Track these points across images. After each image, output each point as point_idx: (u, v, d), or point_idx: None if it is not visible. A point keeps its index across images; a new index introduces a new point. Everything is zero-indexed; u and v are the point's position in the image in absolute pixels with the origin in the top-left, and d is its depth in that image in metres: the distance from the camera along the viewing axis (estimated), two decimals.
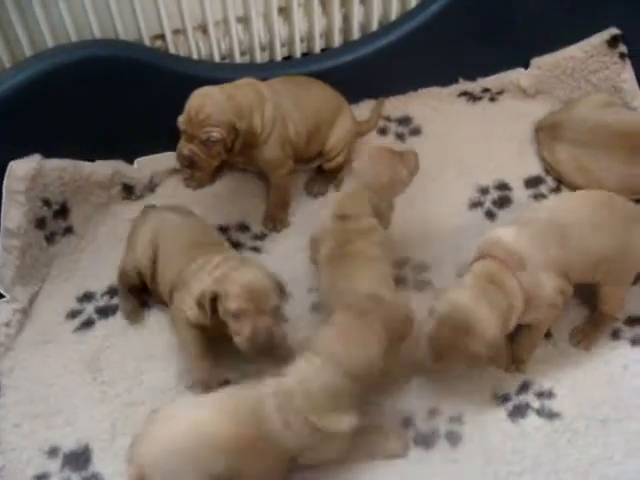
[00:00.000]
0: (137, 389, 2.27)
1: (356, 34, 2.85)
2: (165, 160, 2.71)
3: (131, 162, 2.72)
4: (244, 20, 2.72)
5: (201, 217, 2.45)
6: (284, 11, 2.76)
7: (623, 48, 2.79)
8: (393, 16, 2.82)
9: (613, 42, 2.77)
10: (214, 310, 2.07)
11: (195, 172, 2.52)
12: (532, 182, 2.70)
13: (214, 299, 2.06)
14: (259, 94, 2.43)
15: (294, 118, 2.49)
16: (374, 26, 2.83)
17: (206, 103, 2.27)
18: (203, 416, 1.87)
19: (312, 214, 2.63)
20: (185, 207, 2.47)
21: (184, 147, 2.28)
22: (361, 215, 2.24)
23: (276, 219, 2.60)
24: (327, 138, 2.60)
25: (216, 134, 2.27)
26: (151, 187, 2.69)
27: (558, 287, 2.11)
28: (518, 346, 2.23)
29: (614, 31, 2.78)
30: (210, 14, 2.65)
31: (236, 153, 2.38)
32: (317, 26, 2.80)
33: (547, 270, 2.09)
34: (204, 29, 2.69)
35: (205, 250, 2.23)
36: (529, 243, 2.11)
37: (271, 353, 2.08)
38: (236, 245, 2.55)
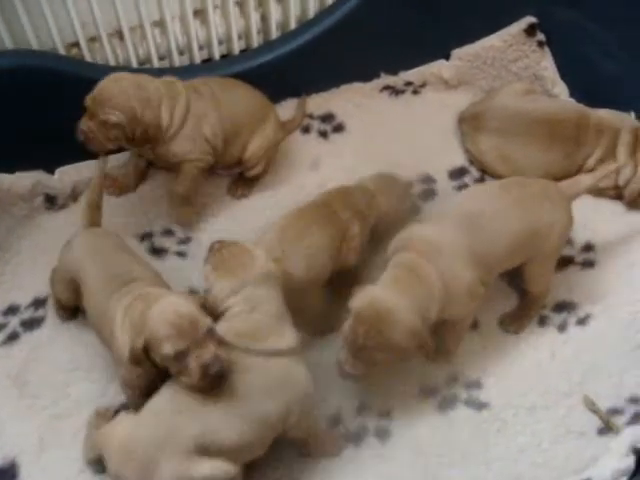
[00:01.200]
0: (64, 401, 2.24)
1: (275, 34, 2.82)
2: (87, 169, 2.69)
3: (52, 172, 2.67)
4: (160, 24, 2.69)
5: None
6: (200, 14, 2.75)
7: (541, 36, 2.81)
8: (311, 14, 2.81)
9: (531, 30, 2.78)
10: (151, 360, 1.88)
11: (92, 147, 2.42)
12: (456, 173, 2.71)
13: (146, 350, 1.86)
14: (174, 90, 2.42)
15: (211, 119, 2.47)
16: (292, 25, 2.81)
17: (113, 86, 2.30)
18: None
19: (236, 217, 2.63)
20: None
21: (83, 122, 2.29)
22: None
23: (184, 218, 2.59)
24: (247, 145, 2.57)
25: (115, 118, 2.28)
26: (74, 196, 2.66)
27: (476, 276, 2.09)
28: (444, 338, 2.21)
29: (531, 19, 2.79)
30: (125, 20, 2.62)
31: (138, 144, 2.38)
32: (235, 27, 2.78)
33: (464, 260, 2.08)
34: (120, 35, 2.65)
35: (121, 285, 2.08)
36: (445, 234, 2.11)
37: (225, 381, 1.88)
38: (160, 251, 2.53)
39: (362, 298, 2.00)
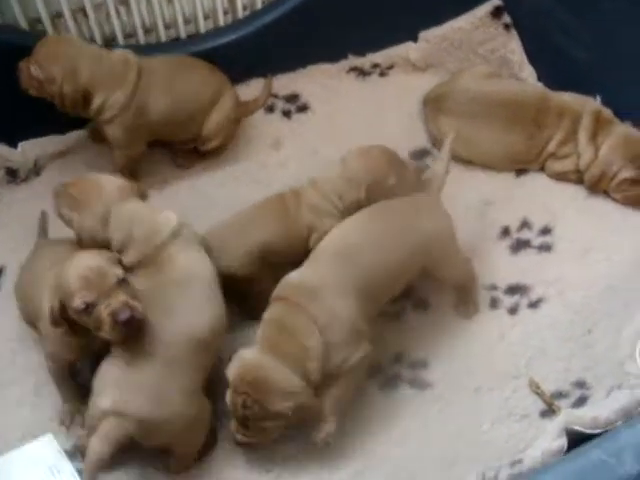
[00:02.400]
0: (11, 369, 2.25)
1: (241, 13, 2.82)
2: (50, 143, 2.71)
3: (15, 146, 2.67)
4: (125, 2, 2.70)
5: None
6: None
7: (507, 19, 2.79)
8: None
9: (496, 13, 2.77)
10: (71, 321, 1.89)
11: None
12: (418, 154, 2.70)
13: (63, 308, 1.88)
14: (120, 75, 2.43)
15: (160, 107, 2.49)
16: (259, 4, 2.79)
17: (52, 44, 2.39)
18: None
19: (195, 191, 2.65)
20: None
21: (24, 60, 2.37)
22: None
23: None
24: (203, 123, 2.57)
25: (33, 71, 2.35)
26: (36, 170, 2.67)
27: (360, 313, 1.99)
28: (325, 397, 2.00)
29: (496, 2, 2.77)
30: None
31: (61, 109, 2.42)
32: (200, 7, 2.79)
33: (344, 298, 1.97)
34: (84, 12, 2.65)
35: None
36: (319, 275, 2.00)
37: (141, 330, 1.89)
38: None
39: (235, 366, 1.92)
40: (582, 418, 1.92)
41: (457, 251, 2.25)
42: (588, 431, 1.91)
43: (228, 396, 1.91)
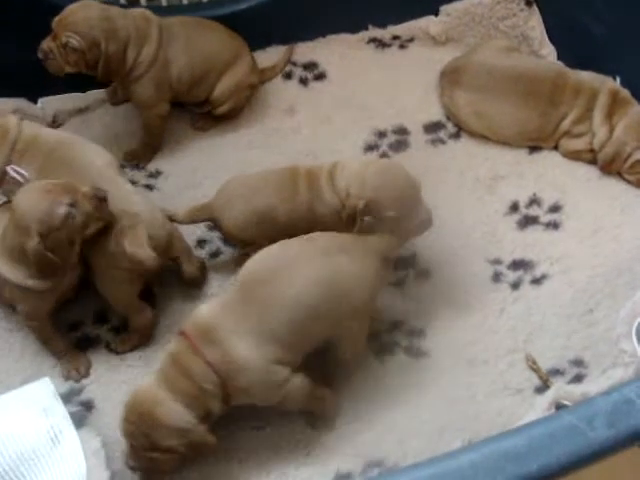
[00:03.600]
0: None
1: None
2: (70, 100, 2.75)
3: (35, 102, 2.71)
4: None
5: None
6: None
7: None
8: None
9: None
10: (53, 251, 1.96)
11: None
12: (432, 127, 2.69)
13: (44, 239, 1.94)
14: (145, 31, 2.44)
15: (180, 62, 2.50)
16: None
17: (80, 11, 2.34)
18: None
19: (206, 153, 2.65)
20: None
21: (46, 42, 2.33)
22: None
23: (140, 157, 2.62)
24: (215, 85, 2.59)
25: (74, 42, 2.31)
26: (54, 127, 2.68)
27: (270, 357, 1.84)
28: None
29: None
30: None
31: (100, 75, 2.41)
32: None
33: (248, 341, 1.83)
34: None
35: None
36: (223, 314, 1.86)
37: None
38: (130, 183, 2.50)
39: (131, 396, 1.85)
40: (572, 393, 1.91)
41: (366, 319, 2.04)
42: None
43: (120, 423, 1.85)
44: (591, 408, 1.43)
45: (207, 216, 2.25)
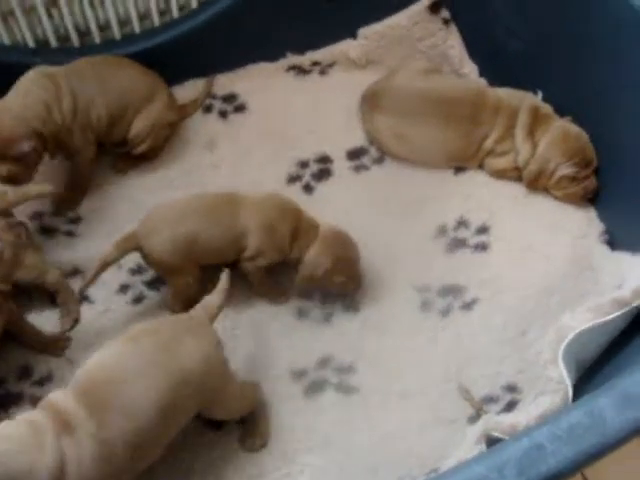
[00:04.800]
0: None
1: (177, 13, 2.76)
2: None
3: None
4: (56, 4, 2.64)
5: None
6: None
7: (446, 14, 2.72)
8: None
9: (434, 8, 2.70)
10: None
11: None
12: (355, 153, 2.64)
13: None
14: (54, 86, 2.36)
15: (96, 103, 2.44)
16: (194, 4, 2.74)
17: (4, 119, 2.24)
18: None
19: (127, 196, 2.59)
20: None
21: (1, 168, 2.24)
22: None
23: (70, 202, 2.54)
24: (132, 124, 2.52)
25: (26, 147, 2.25)
26: None
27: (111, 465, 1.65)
28: None
29: None
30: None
31: (57, 151, 2.39)
32: (134, 8, 2.74)
33: (102, 445, 1.63)
34: (13, 15, 2.61)
35: None
36: (77, 406, 1.67)
37: None
38: (50, 230, 2.49)
39: None
40: (501, 425, 1.85)
41: (230, 382, 1.94)
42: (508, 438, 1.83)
43: None
44: (501, 456, 1.38)
45: (133, 245, 2.19)
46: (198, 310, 1.93)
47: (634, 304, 1.92)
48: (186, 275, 2.19)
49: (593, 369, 2.05)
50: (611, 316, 1.93)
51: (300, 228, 2.20)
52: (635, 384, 1.48)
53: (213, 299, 1.97)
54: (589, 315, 1.95)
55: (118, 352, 1.78)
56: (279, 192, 2.40)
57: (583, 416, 1.43)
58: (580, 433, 1.40)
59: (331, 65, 2.85)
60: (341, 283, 2.21)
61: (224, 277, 2.00)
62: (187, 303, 2.15)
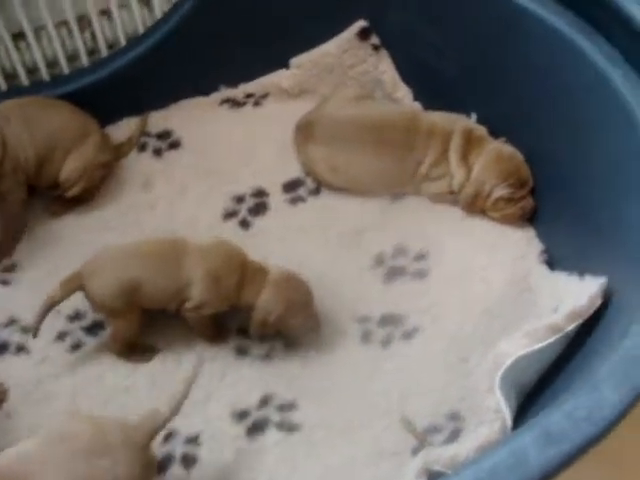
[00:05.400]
0: None
1: (105, 52, 2.75)
2: None
3: None
4: None
5: None
6: (20, 37, 2.67)
7: (375, 40, 2.71)
8: (141, 30, 2.72)
9: (363, 35, 2.69)
10: None
11: None
12: (291, 186, 2.62)
13: None
14: None
15: (23, 144, 2.41)
16: (122, 41, 2.72)
17: None
18: None
19: (62, 239, 2.56)
20: None
21: None
22: None
23: (3, 248, 2.50)
24: (62, 166, 2.49)
25: None
26: None
27: None
28: None
29: (362, 23, 2.69)
30: None
31: None
32: (62, 49, 2.73)
33: None
34: None
35: None
36: None
37: None
38: None
39: None
40: (441, 458, 1.84)
41: None
42: (449, 471, 1.81)
43: None
44: None
45: (77, 285, 2.17)
46: (139, 422, 1.77)
47: (567, 329, 1.89)
48: (127, 319, 2.16)
49: (536, 391, 2.02)
50: (545, 342, 1.90)
51: (247, 275, 2.16)
52: (556, 421, 1.46)
53: (163, 412, 1.80)
54: (524, 341, 1.94)
55: (28, 454, 1.64)
56: (216, 228, 2.40)
57: (506, 456, 1.42)
58: (503, 474, 1.38)
59: (264, 96, 2.83)
60: (298, 325, 2.18)
61: (188, 376, 1.90)
62: (127, 345, 2.19)
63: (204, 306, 2.16)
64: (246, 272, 2.17)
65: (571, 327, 1.92)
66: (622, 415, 1.52)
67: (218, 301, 2.16)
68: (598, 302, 1.93)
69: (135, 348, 2.24)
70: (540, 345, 1.91)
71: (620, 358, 1.61)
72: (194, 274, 2.14)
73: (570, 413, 1.50)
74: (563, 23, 2.27)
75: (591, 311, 1.93)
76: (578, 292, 2.01)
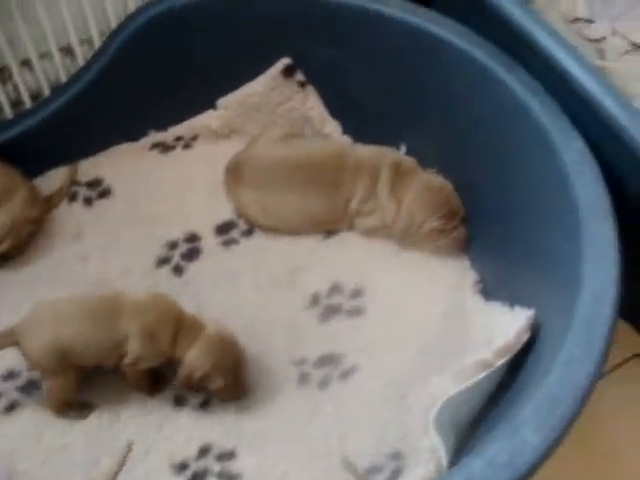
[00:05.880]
0: None
1: (29, 102, 2.72)
2: None
3: None
4: None
5: None
6: None
7: (300, 77, 2.69)
8: (64, 79, 2.70)
9: (288, 72, 2.67)
10: None
11: None
12: (223, 228, 2.60)
13: None
14: None
15: None
16: (46, 91, 2.70)
17: None
18: None
19: None
20: None
21: None
22: None
23: None
24: None
25: None
26: None
27: None
28: None
29: (286, 61, 2.67)
30: None
31: None
32: None
33: None
34: None
35: None
36: None
37: None
38: None
39: None
40: None
41: None
42: None
43: None
44: None
45: (10, 342, 2.14)
46: None
47: (497, 365, 1.89)
48: (63, 377, 2.13)
49: (474, 427, 2.01)
50: (474, 380, 1.89)
51: (182, 330, 2.13)
52: (478, 469, 1.49)
53: None
54: (454, 381, 1.92)
55: None
56: (149, 277, 2.37)
57: None
58: None
59: (194, 138, 2.81)
60: (220, 389, 2.15)
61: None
62: (64, 403, 2.15)
63: (140, 361, 2.12)
64: (181, 326, 2.14)
65: (500, 362, 1.90)
66: (544, 457, 1.51)
67: (154, 356, 2.13)
68: (526, 336, 1.93)
69: (72, 405, 2.19)
70: (469, 383, 1.89)
71: (543, 397, 1.61)
72: (130, 330, 2.11)
73: (491, 460, 1.49)
74: (483, 54, 2.29)
75: (519, 346, 1.92)
76: (508, 325, 2.00)
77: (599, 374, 1.67)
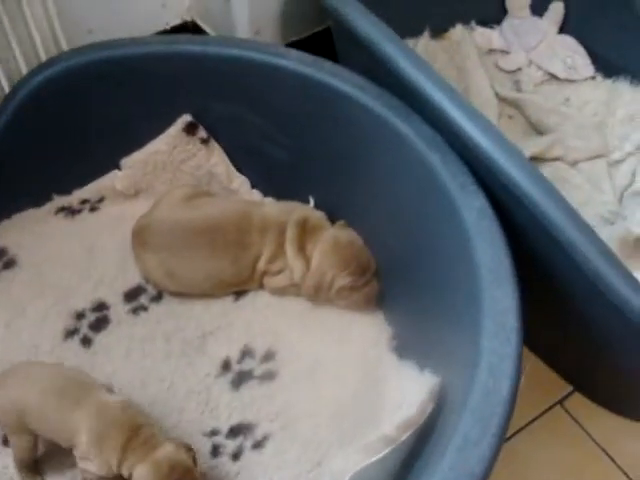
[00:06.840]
0: None
1: None
2: None
3: None
4: None
5: None
6: None
7: (203, 133, 2.62)
8: None
9: (190, 129, 2.60)
10: None
11: None
12: (131, 294, 2.53)
13: None
14: None
15: None
16: None
17: None
18: None
19: None
20: None
21: None
22: None
23: None
24: None
25: None
26: None
27: None
28: None
29: (187, 118, 2.61)
30: None
31: None
32: None
33: None
34: None
35: None
36: None
37: None
38: None
39: None
40: None
41: None
42: None
43: None
44: None
45: None
46: None
47: (401, 439, 1.84)
48: (18, 438, 2.07)
49: None
50: (380, 455, 1.84)
51: (136, 442, 1.99)
52: None
53: None
54: (359, 456, 1.87)
55: None
56: (56, 351, 2.30)
57: None
58: None
59: (100, 200, 2.73)
60: None
61: None
62: (29, 463, 2.11)
63: (87, 459, 2.00)
64: (136, 439, 2.00)
65: (404, 437, 1.85)
66: None
67: (101, 463, 1.99)
68: (429, 408, 1.87)
69: (30, 467, 2.13)
70: (374, 459, 1.84)
71: None
72: (80, 426, 2.01)
73: None
74: (384, 108, 2.24)
75: (422, 420, 1.86)
76: (416, 394, 1.95)
77: (495, 456, 1.62)
